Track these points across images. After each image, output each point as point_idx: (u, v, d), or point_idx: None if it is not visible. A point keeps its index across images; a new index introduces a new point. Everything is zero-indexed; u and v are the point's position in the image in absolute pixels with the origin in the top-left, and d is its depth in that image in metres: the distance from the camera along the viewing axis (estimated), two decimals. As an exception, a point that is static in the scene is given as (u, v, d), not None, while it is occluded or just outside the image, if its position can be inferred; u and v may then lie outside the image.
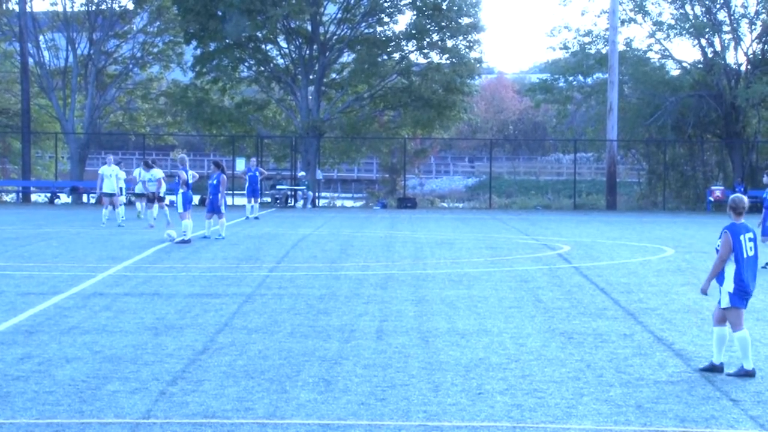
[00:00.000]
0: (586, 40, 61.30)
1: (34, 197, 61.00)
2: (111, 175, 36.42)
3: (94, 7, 62.59)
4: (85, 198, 58.07)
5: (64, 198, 58.18)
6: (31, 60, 61.81)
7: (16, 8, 62.43)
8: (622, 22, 58.84)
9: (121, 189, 38.72)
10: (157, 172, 36.85)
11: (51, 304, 16.29)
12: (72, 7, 63.34)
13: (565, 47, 61.97)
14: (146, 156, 57.66)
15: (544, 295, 18.25)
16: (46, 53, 63.07)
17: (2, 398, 10.00)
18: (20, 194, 61.03)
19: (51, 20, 64.35)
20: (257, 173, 42.09)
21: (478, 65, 61.73)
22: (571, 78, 62.18)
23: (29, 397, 10.07)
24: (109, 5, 62.75)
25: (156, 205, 35.73)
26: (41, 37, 62.90)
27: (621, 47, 57.68)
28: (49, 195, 59.96)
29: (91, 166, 71.76)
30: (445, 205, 64.88)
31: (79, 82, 62.70)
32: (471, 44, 60.40)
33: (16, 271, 20.86)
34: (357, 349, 12.78)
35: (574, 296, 18.22)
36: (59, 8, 63.20)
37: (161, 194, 36.10)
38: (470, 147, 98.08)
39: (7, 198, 61.98)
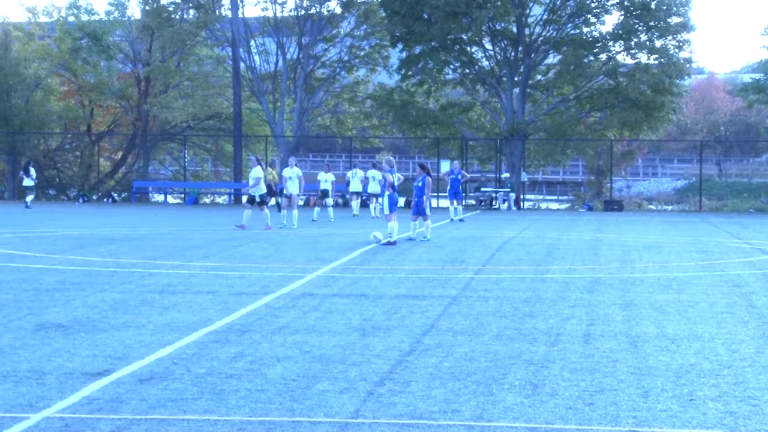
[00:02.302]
0: (802, 37, 59.43)
1: (245, 199, 62.56)
2: (292, 177, 36.95)
3: (303, 12, 63.85)
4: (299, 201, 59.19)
5: (273, 200, 59.43)
6: (242, 65, 63.49)
7: (229, 14, 64.22)
8: (841, 19, 56.76)
9: (327, 191, 39.36)
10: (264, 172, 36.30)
11: (262, 304, 16.64)
12: (282, 12, 64.82)
13: (780, 45, 60.16)
14: (367, 159, 58.19)
15: (757, 300, 17.71)
16: (256, 58, 64.67)
17: (217, 395, 10.26)
18: (232, 196, 62.76)
19: (262, 25, 65.99)
20: (459, 176, 42.21)
21: (687, 65, 60.52)
22: (786, 77, 60.36)
23: (242, 395, 10.30)
24: (318, 10, 63.90)
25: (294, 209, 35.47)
26: (252, 42, 64.53)
27: (839, 44, 55.64)
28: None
29: (301, 169, 73.00)
30: (652, 207, 63.67)
31: (289, 86, 64.05)
32: (680, 44, 59.25)
33: (229, 272, 21.40)
34: (564, 353, 12.65)
35: (790, 302, 17.64)
36: (269, 14, 64.74)
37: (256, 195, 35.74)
38: (679, 149, 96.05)
39: (219, 200, 63.83)
